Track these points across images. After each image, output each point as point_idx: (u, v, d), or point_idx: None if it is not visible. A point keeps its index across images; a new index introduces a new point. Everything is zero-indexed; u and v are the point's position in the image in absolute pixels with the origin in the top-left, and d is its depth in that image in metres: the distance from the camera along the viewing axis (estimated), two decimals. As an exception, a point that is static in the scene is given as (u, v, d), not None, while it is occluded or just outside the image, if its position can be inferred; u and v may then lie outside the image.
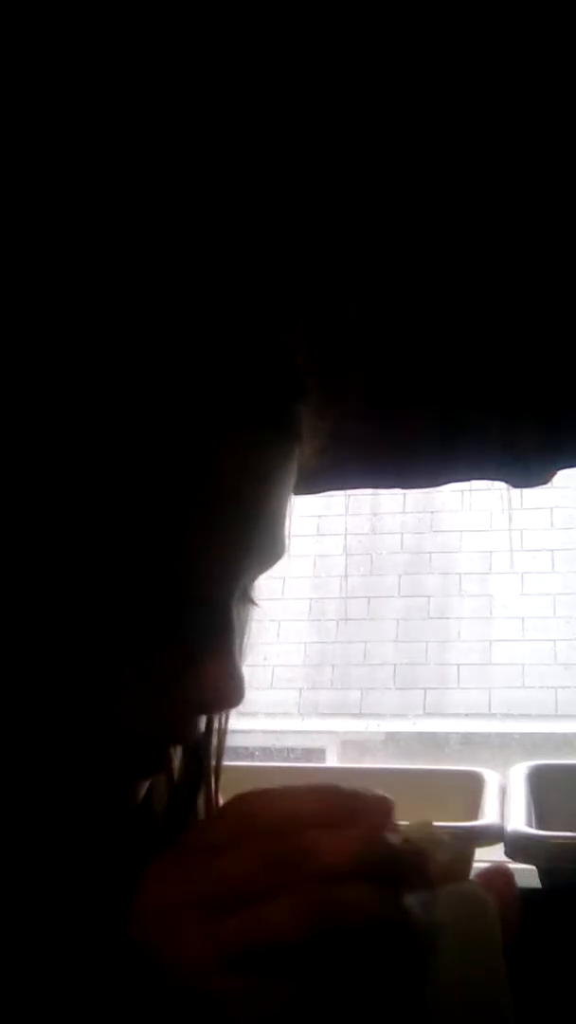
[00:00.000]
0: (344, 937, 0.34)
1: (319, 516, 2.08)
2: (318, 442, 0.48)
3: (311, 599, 2.22)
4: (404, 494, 2.16)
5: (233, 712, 0.51)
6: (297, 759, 1.61)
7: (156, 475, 0.39)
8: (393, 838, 0.37)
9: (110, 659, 0.41)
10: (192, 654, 0.41)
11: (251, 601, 0.49)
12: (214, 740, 0.52)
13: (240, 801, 0.38)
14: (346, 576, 2.20)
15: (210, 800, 0.54)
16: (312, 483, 1.06)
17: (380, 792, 0.38)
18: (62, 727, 0.41)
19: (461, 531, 2.27)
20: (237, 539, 0.42)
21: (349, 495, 1.72)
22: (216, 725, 0.52)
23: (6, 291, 0.42)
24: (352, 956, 0.34)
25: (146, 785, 0.45)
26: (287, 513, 0.46)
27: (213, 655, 0.42)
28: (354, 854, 0.35)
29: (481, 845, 0.96)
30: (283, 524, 0.46)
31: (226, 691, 0.42)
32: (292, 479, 0.46)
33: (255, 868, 0.35)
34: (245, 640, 0.51)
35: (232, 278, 0.45)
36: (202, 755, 0.52)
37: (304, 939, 0.34)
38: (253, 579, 0.46)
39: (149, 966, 0.36)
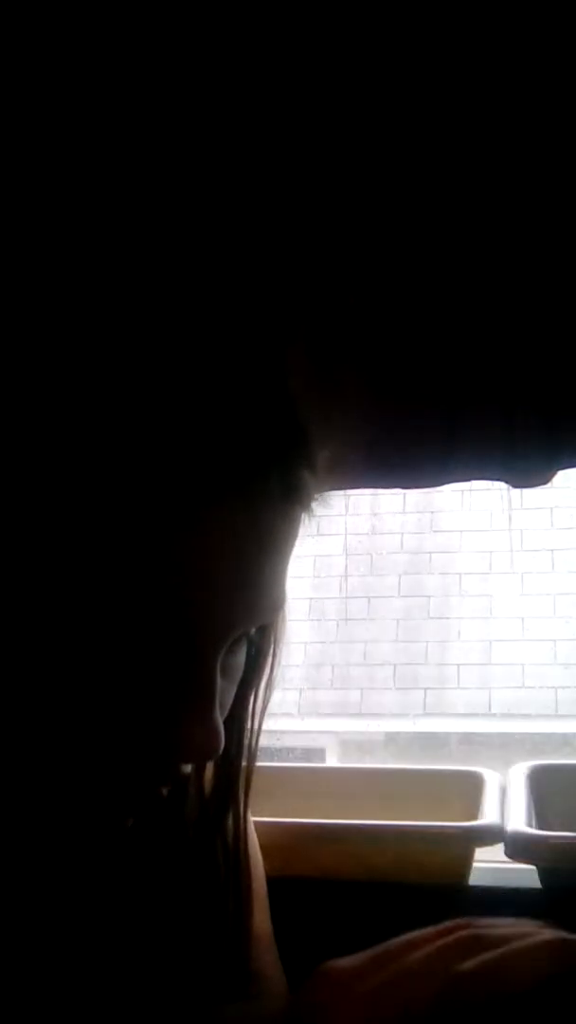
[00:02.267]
0: None
1: (319, 516, 2.07)
2: (319, 490, 0.47)
3: (311, 599, 2.22)
4: (404, 494, 2.15)
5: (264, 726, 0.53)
6: (297, 759, 1.61)
7: (143, 530, 0.39)
8: None
9: (92, 710, 0.42)
10: (172, 710, 0.42)
11: (253, 645, 0.49)
12: (244, 758, 0.54)
13: None
14: (346, 576, 2.20)
15: (238, 815, 0.56)
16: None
17: None
18: (47, 765, 0.43)
19: (461, 531, 2.27)
20: (227, 598, 0.42)
21: (349, 495, 1.72)
22: (246, 742, 0.53)
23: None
24: None
25: (131, 821, 0.46)
26: (285, 571, 0.46)
27: (190, 713, 0.42)
28: None
29: (481, 845, 0.96)
30: (279, 583, 0.45)
31: (201, 748, 0.43)
32: (294, 539, 0.46)
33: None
34: (266, 674, 0.52)
35: (230, 322, 0.44)
36: (232, 771, 0.54)
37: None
38: (247, 630, 0.46)
39: None
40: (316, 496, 0.47)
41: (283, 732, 1.80)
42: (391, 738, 1.97)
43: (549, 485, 1.01)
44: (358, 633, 2.22)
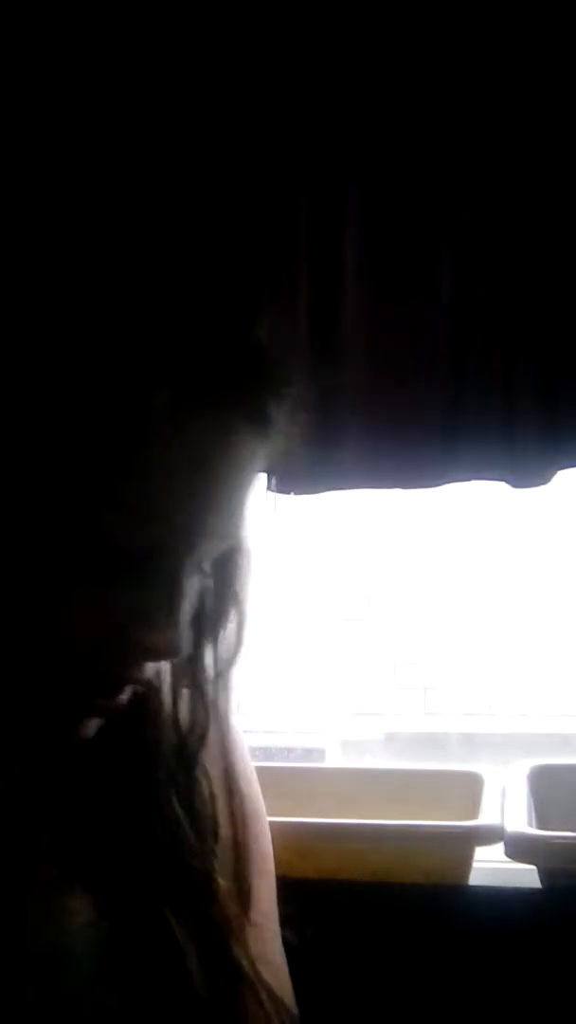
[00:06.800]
0: None
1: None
2: (285, 442, 0.50)
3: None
4: (404, 494, 2.15)
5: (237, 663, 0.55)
6: (297, 759, 1.61)
7: (93, 422, 0.43)
8: None
9: (62, 593, 0.45)
10: (140, 605, 0.46)
11: (220, 581, 0.52)
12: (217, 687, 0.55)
13: None
14: (346, 576, 2.20)
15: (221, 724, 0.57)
16: (312, 483, 1.06)
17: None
18: (15, 651, 0.46)
19: (461, 531, 2.27)
20: (179, 500, 0.45)
21: (349, 495, 1.72)
22: (217, 663, 0.55)
23: None
24: None
25: (96, 723, 0.49)
26: (242, 494, 0.49)
27: (156, 608, 0.46)
28: None
29: (481, 845, 0.96)
30: (235, 502, 0.48)
31: (161, 642, 0.47)
32: (252, 470, 0.49)
33: None
34: (224, 610, 0.54)
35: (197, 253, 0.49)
36: (205, 696, 0.55)
37: None
38: (207, 554, 0.48)
39: None
40: (282, 436, 0.50)
41: (283, 732, 1.80)
42: (391, 738, 1.97)
43: (549, 485, 1.02)
44: (358, 633, 2.22)
